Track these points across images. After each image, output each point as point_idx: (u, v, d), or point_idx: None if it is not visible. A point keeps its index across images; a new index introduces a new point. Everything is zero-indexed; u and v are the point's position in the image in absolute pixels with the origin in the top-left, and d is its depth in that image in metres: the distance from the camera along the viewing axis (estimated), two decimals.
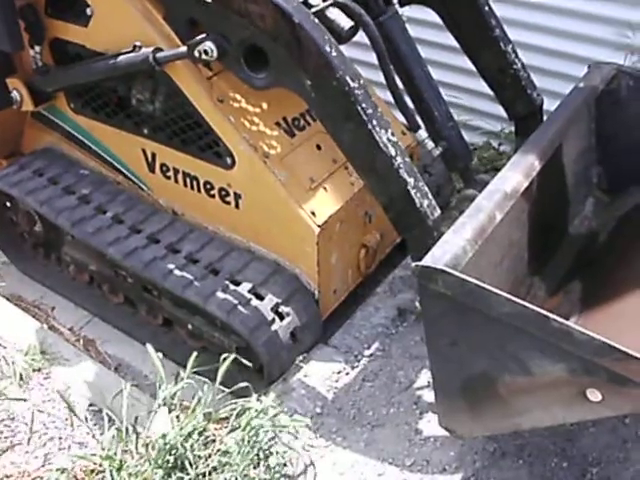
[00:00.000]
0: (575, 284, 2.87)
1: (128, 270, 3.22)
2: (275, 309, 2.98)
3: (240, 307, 2.93)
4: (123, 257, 3.15)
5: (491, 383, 2.20)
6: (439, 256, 2.18)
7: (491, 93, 3.36)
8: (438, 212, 2.70)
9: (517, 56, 3.16)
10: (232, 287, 3.00)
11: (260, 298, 2.98)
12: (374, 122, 2.61)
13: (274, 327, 2.94)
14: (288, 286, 3.06)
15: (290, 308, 3.00)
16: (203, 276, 3.05)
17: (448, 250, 2.21)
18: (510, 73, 3.16)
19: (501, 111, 4.13)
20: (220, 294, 2.96)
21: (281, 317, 2.98)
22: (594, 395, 2.01)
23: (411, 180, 2.65)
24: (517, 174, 2.57)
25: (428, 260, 2.17)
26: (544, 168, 2.68)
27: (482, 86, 3.45)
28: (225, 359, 2.64)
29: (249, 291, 2.99)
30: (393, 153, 2.63)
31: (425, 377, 3.03)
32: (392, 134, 2.66)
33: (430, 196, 2.70)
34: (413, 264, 2.17)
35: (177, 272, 3.06)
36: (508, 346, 2.11)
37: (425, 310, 2.26)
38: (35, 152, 3.68)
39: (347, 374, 3.08)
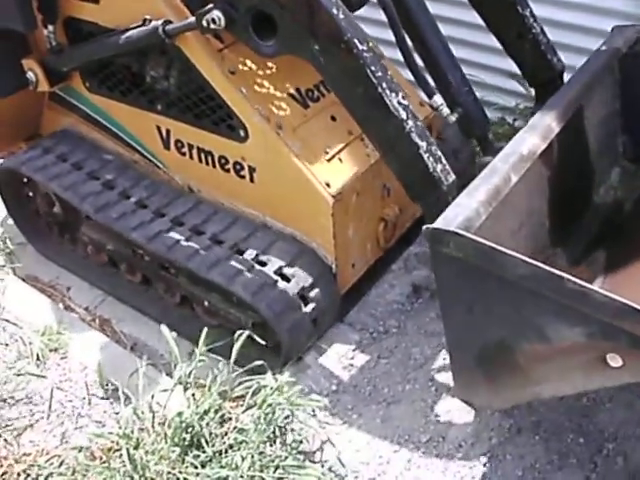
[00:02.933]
0: (599, 254, 2.80)
1: (152, 253, 3.19)
2: (301, 292, 2.94)
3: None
4: (147, 241, 3.12)
5: (508, 351, 2.15)
6: (451, 218, 2.11)
7: (505, 68, 3.31)
8: (453, 177, 2.63)
9: (536, 20, 3.06)
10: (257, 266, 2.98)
11: (285, 278, 2.95)
12: (384, 85, 2.55)
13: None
14: (311, 268, 3.01)
15: (313, 290, 2.97)
16: (228, 256, 3.01)
17: (460, 212, 2.14)
18: (529, 38, 3.07)
19: (516, 86, 4.10)
20: (247, 274, 2.93)
21: (305, 301, 2.95)
22: (615, 360, 1.93)
23: (423, 144, 2.59)
24: (534, 136, 2.50)
25: (440, 223, 2.10)
26: (563, 131, 2.60)
27: (496, 61, 3.42)
28: (240, 336, 2.65)
29: (254, 259, 2.97)
30: (404, 116, 2.57)
31: (441, 354, 3.03)
32: (403, 97, 2.59)
33: (444, 160, 2.63)
34: (424, 227, 2.11)
35: (202, 252, 3.03)
36: (524, 311, 2.04)
37: (438, 276, 2.20)
38: (54, 134, 3.68)
39: (362, 351, 3.09)
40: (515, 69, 3.30)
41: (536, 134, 2.52)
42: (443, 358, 3.01)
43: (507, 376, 2.25)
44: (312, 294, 2.96)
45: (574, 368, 2.08)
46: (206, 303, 3.17)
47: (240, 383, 2.62)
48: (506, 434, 2.70)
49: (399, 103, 2.58)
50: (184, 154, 3.24)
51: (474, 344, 2.24)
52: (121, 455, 2.39)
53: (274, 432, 2.52)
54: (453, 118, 2.98)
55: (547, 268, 1.93)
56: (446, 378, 2.93)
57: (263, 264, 2.96)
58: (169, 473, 2.33)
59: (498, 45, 3.24)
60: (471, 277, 2.09)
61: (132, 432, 2.47)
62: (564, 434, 2.68)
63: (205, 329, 2.71)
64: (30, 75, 3.46)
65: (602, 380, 2.07)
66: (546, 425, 2.71)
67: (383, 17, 2.94)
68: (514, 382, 2.25)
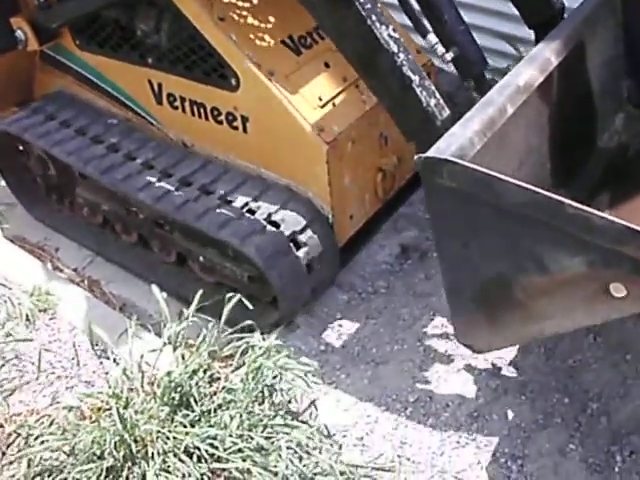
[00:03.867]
0: (603, 198, 2.73)
1: (161, 213, 3.14)
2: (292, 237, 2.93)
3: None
4: (154, 201, 3.08)
5: (507, 287, 2.07)
6: (444, 147, 2.04)
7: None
8: (447, 112, 2.56)
9: None
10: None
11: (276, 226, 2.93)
12: (373, 17, 2.48)
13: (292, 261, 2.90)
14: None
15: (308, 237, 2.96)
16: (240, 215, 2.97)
17: (453, 142, 2.07)
18: None
19: (507, 48, 4.06)
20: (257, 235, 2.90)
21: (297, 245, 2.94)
22: (618, 290, 1.85)
23: (416, 78, 2.52)
24: (531, 69, 2.42)
25: (432, 151, 2.03)
26: (563, 64, 2.53)
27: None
28: (230, 298, 2.65)
29: (265, 219, 2.94)
30: (395, 49, 2.50)
31: (429, 314, 3.05)
32: (394, 30, 2.53)
33: (438, 95, 2.56)
34: (416, 156, 2.03)
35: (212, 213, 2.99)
36: (522, 241, 1.96)
37: (432, 210, 2.12)
38: (48, 96, 3.64)
39: (351, 312, 3.11)
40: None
41: (534, 66, 2.45)
42: (431, 319, 3.03)
43: (507, 314, 2.17)
44: (304, 238, 2.93)
45: (576, 301, 2.00)
46: (202, 259, 3.15)
47: (229, 343, 2.63)
48: (493, 394, 2.73)
49: (389, 36, 2.51)
50: (176, 108, 3.21)
51: (472, 282, 2.17)
52: (111, 414, 2.39)
53: (262, 392, 2.53)
54: (448, 57, 2.89)
55: (546, 193, 1.84)
56: (434, 339, 2.95)
57: (277, 225, 2.92)
58: (158, 432, 2.33)
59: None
60: (466, 208, 2.02)
61: (122, 392, 2.47)
62: (550, 394, 2.71)
63: (199, 291, 2.68)
64: (19, 34, 3.43)
65: (606, 313, 1.99)
66: (532, 385, 2.74)
67: None
68: (515, 320, 2.18)
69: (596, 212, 1.79)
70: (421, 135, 2.56)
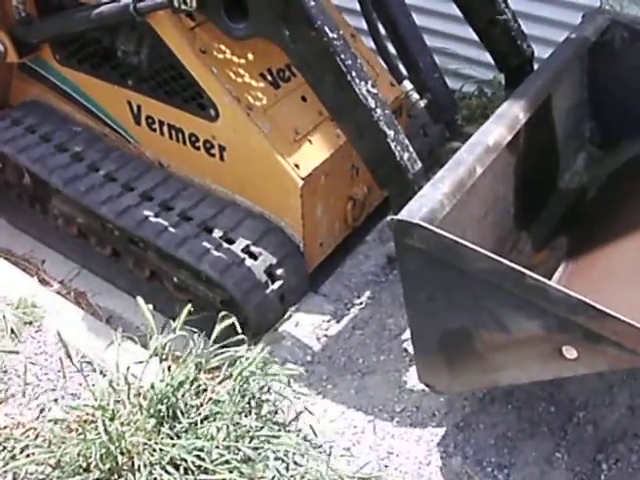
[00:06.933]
0: (562, 240, 2.86)
1: (120, 228, 3.19)
2: (268, 270, 3.01)
3: (234, 266, 2.96)
4: (115, 216, 3.13)
5: (468, 339, 2.20)
6: (415, 210, 2.16)
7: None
8: (419, 165, 2.67)
9: (507, 6, 3.09)
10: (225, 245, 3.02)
11: (254, 258, 3.00)
12: (353, 73, 2.57)
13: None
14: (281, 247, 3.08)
15: (281, 269, 3.04)
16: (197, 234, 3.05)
17: (424, 204, 2.19)
18: (500, 24, 3.10)
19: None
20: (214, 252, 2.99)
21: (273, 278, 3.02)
22: (570, 352, 2.01)
23: (391, 132, 2.61)
24: (500, 127, 2.54)
25: (404, 214, 2.15)
26: (531, 121, 2.63)
27: (473, 34, 3.37)
28: (222, 317, 2.64)
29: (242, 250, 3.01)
30: (373, 105, 2.59)
31: None
32: (372, 86, 2.62)
33: (411, 149, 2.66)
34: (389, 218, 2.16)
35: (171, 230, 3.05)
36: (484, 302, 2.10)
37: (402, 265, 2.25)
38: (23, 105, 3.64)
39: (337, 322, 3.11)
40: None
41: (503, 124, 2.55)
42: None
43: (466, 362, 2.31)
44: (279, 272, 3.02)
45: (531, 358, 2.14)
46: (175, 279, 3.17)
47: (215, 355, 2.63)
48: (479, 404, 2.73)
49: (368, 91, 2.59)
50: (155, 130, 3.24)
51: (435, 331, 2.30)
52: (97, 427, 2.38)
53: (249, 403, 2.53)
54: (422, 104, 3.00)
55: (507, 263, 1.98)
56: None
57: (255, 257, 3.00)
58: (145, 444, 2.33)
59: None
60: (433, 267, 2.14)
61: (108, 404, 2.47)
62: (536, 403, 2.72)
63: (188, 305, 2.69)
64: None
65: (558, 370, 2.14)
66: (518, 394, 2.75)
67: (355, 3, 2.95)
68: (473, 368, 2.32)
69: (553, 284, 1.95)
70: (393, 185, 2.69)
